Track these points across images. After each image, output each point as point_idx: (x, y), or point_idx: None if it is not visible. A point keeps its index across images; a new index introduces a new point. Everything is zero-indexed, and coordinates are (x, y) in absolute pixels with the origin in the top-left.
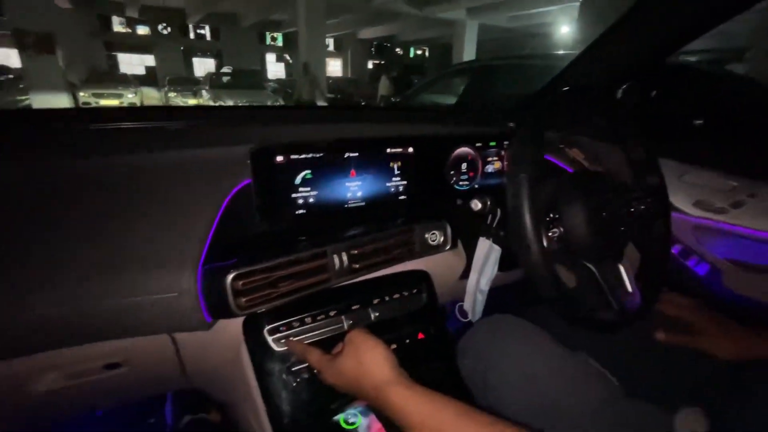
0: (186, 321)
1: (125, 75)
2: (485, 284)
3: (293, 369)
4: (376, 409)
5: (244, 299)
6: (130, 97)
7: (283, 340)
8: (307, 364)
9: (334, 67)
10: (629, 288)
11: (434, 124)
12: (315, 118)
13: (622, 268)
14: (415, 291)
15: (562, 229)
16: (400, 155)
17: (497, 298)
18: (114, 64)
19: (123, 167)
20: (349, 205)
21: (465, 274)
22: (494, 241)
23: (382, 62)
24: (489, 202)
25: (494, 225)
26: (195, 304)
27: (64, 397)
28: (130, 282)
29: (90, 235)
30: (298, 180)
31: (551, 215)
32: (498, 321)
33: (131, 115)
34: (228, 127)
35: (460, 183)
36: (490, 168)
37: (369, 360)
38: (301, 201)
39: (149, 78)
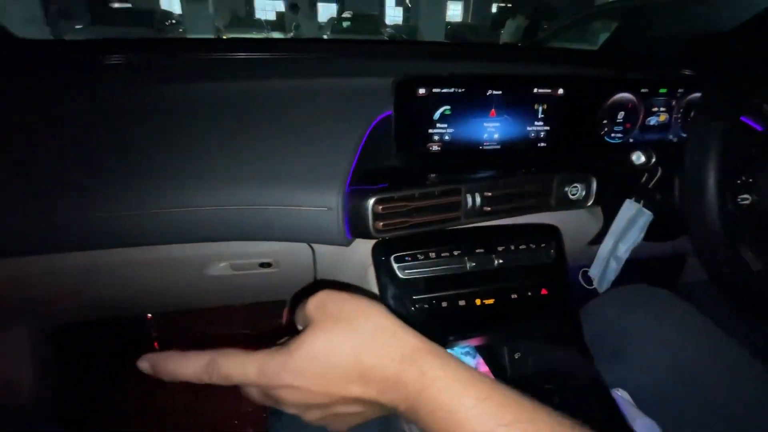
0: (328, 235)
1: (259, 20)
2: (624, 252)
3: (415, 297)
4: (401, 413)
5: (381, 223)
6: None
7: (407, 263)
8: (430, 295)
9: (454, 12)
10: None
11: (588, 68)
12: (454, 54)
13: None
14: (543, 245)
15: (755, 197)
16: (547, 97)
17: (631, 272)
18: (251, 10)
19: (270, 92)
20: (484, 147)
21: (597, 239)
22: (645, 205)
23: (510, 5)
24: (654, 157)
25: (650, 186)
26: (339, 220)
27: (230, 285)
28: (283, 192)
29: (251, 148)
30: (436, 115)
31: (742, 178)
32: (642, 291)
33: (273, 46)
34: (372, 59)
35: (613, 135)
36: (653, 120)
37: (373, 325)
38: (437, 137)
39: (279, 23)
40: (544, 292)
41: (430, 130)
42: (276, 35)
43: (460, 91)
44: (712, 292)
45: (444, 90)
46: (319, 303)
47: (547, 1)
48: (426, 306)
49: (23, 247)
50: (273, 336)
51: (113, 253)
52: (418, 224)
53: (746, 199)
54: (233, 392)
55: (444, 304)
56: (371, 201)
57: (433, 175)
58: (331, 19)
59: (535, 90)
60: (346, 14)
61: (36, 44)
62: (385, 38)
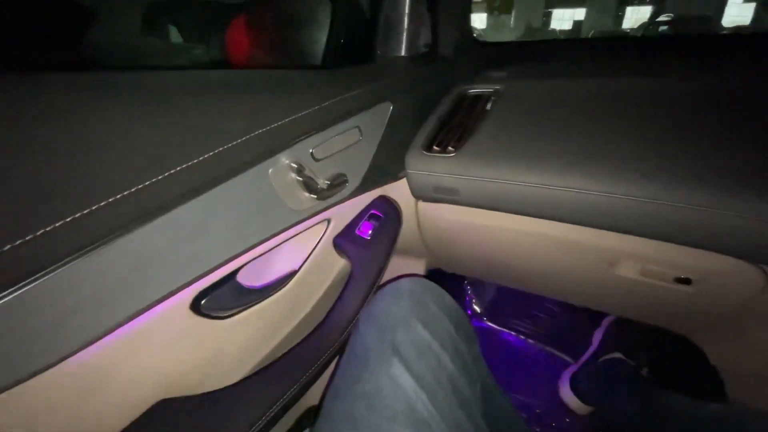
0: None
1: (554, 30)
2: None
3: None
4: None
5: None
6: None
7: None
8: None
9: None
10: None
11: None
12: None
13: None
14: None
15: None
16: None
17: None
18: (547, 21)
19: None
20: None
21: None
22: None
23: None
24: None
25: None
26: None
27: (630, 292)
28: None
29: (697, 144)
30: None
31: None
32: None
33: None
34: None
35: None
36: None
37: None
38: None
39: (574, 33)
40: None
41: None
42: None
43: None
44: None
45: None
46: None
47: None
48: None
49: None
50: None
51: (535, 223)
52: None
53: None
54: None
55: None
56: None
57: None
58: (643, 24)
59: None
60: (665, 17)
61: (496, 45)
62: None
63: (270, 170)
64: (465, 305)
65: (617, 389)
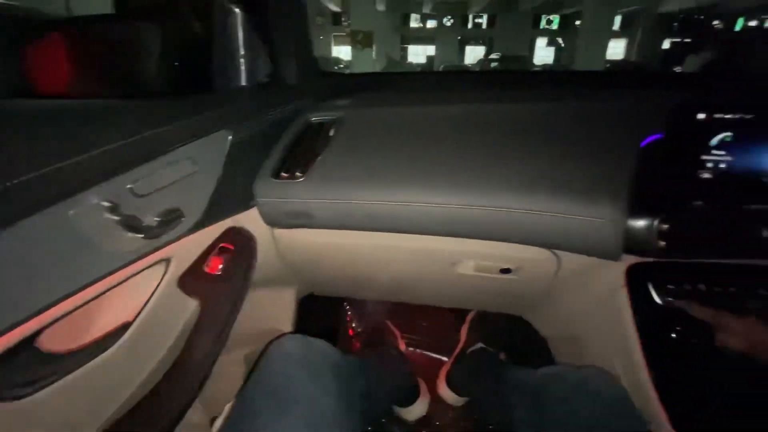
0: (601, 246)
1: (411, 63)
2: None
3: (679, 328)
4: None
5: (664, 243)
6: None
7: (669, 298)
8: (701, 329)
9: (616, 50)
10: None
11: None
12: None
13: None
14: None
15: None
16: None
17: None
18: (404, 56)
19: (541, 111)
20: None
21: None
22: None
23: (688, 40)
24: None
25: None
26: (618, 233)
27: (469, 286)
28: (560, 201)
29: (518, 159)
30: (715, 141)
31: None
32: None
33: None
34: (639, 88)
35: None
36: None
37: None
38: (711, 164)
39: (428, 66)
40: None
41: (704, 157)
42: None
43: (747, 117)
44: None
45: (728, 116)
46: None
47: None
48: (691, 339)
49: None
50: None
51: (386, 237)
52: (706, 250)
53: None
54: None
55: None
56: (657, 218)
57: (699, 203)
58: (480, 60)
59: None
60: (494, 55)
61: (340, 76)
62: None
63: (71, 212)
64: (346, 327)
65: (481, 377)
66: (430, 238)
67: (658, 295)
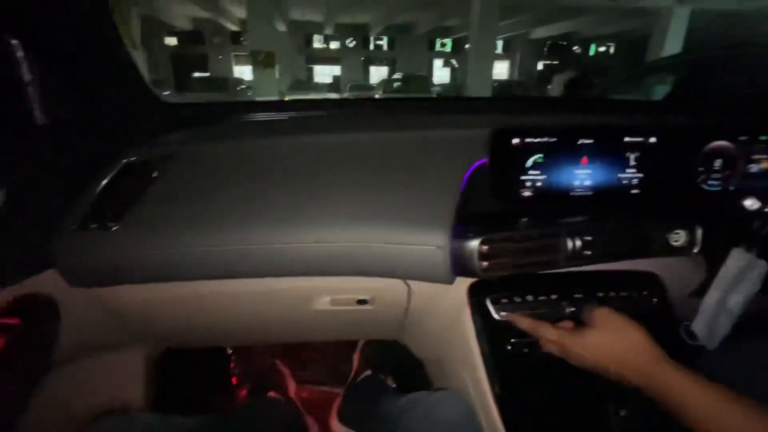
0: (434, 273)
1: (317, 83)
2: (736, 305)
3: (513, 340)
4: (641, 387)
5: (486, 263)
6: None
7: (503, 305)
8: (527, 340)
9: (500, 70)
10: None
11: (675, 116)
12: (544, 107)
13: None
14: (645, 293)
15: None
16: (638, 145)
17: (746, 325)
18: (310, 75)
19: (378, 142)
20: (576, 193)
21: (699, 290)
22: (759, 254)
23: (556, 62)
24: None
25: (765, 232)
26: (446, 259)
27: (329, 320)
28: (392, 231)
29: (352, 192)
30: (529, 163)
31: None
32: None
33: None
34: (465, 114)
35: (711, 182)
36: (755, 168)
37: (638, 338)
38: (529, 183)
39: (335, 85)
40: None
41: (523, 177)
42: (332, 96)
43: (552, 140)
44: None
45: (537, 140)
46: (602, 314)
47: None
48: (523, 350)
49: (151, 275)
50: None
51: (229, 283)
52: (521, 265)
53: None
54: None
55: (540, 348)
56: (478, 240)
57: (525, 219)
58: (383, 81)
59: (626, 139)
60: (397, 75)
61: (180, 106)
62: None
63: None
64: (228, 375)
65: (369, 408)
66: (277, 278)
67: (495, 310)
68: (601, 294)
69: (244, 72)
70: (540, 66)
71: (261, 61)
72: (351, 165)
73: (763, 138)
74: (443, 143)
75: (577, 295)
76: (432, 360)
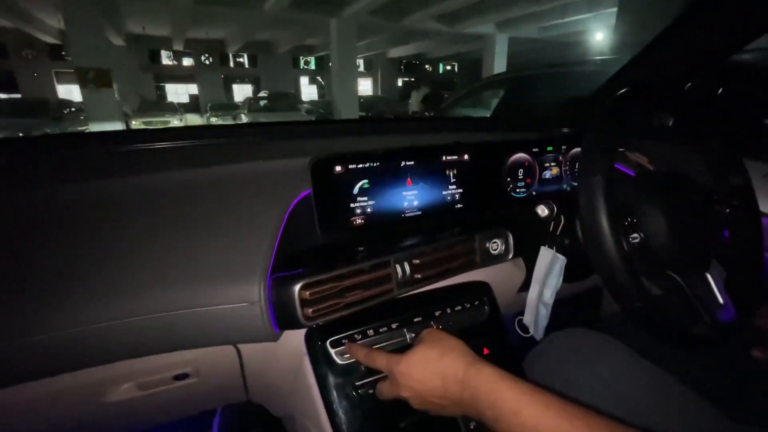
0: (255, 332)
1: (172, 103)
2: (549, 296)
3: (357, 383)
4: (462, 409)
5: (310, 309)
6: (176, 123)
7: (344, 347)
8: (371, 379)
9: (365, 86)
10: (720, 299)
11: (487, 132)
12: (368, 130)
13: (710, 278)
14: (477, 303)
15: (642, 235)
16: (455, 163)
17: (560, 312)
18: (162, 95)
19: (179, 183)
20: (407, 215)
21: (524, 287)
22: (558, 251)
23: (412, 79)
24: (555, 209)
25: (558, 233)
26: (264, 314)
27: (135, 409)
28: (199, 293)
29: (150, 249)
30: (356, 190)
31: (628, 219)
32: (574, 334)
33: (186, 134)
34: (284, 141)
35: (517, 190)
36: (547, 174)
37: (451, 348)
38: (359, 211)
39: (193, 105)
40: (486, 351)
41: (352, 205)
42: (191, 117)
43: (375, 165)
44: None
45: (360, 165)
46: (426, 332)
47: (445, 74)
48: (370, 391)
49: None
50: None
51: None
52: (351, 304)
53: (635, 237)
54: None
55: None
56: (297, 287)
57: (361, 248)
58: (248, 99)
59: (444, 157)
60: (263, 93)
61: None
62: (303, 114)
63: None
64: None
65: None
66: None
67: (337, 354)
68: (438, 312)
69: (72, 92)
70: (399, 83)
71: (92, 79)
72: (149, 214)
73: (549, 149)
74: (261, 177)
75: (416, 319)
76: (287, 418)
